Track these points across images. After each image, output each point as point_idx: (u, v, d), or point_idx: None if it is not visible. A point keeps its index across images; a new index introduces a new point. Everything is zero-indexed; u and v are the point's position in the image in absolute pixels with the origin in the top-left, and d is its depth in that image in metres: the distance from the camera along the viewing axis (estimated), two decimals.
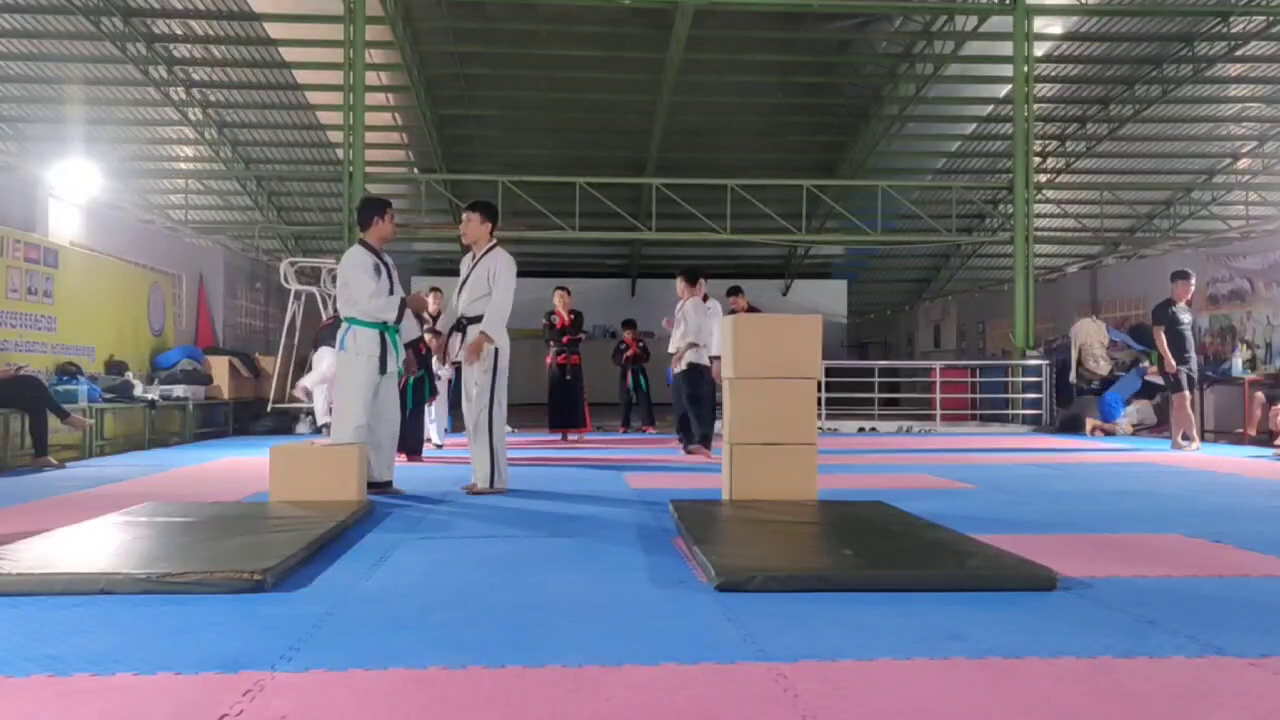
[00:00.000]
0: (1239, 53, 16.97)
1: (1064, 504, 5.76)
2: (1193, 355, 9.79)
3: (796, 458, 5.35)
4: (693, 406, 9.09)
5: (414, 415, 8.47)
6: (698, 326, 8.97)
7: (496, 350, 6.15)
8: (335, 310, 12.24)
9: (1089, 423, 12.22)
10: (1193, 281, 10.03)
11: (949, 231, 18.22)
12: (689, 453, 9.16)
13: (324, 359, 11.44)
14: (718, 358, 8.97)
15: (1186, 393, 9.70)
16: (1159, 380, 10.92)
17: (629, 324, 13.24)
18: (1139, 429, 11.87)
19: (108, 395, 9.62)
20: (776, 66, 18.09)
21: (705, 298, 9.28)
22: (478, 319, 6.17)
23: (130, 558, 3.61)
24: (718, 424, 9.42)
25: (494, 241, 6.34)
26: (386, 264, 6.11)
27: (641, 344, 13.09)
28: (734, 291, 10.50)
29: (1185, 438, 9.74)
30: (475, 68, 17.99)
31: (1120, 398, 12.23)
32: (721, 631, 2.85)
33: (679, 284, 9.23)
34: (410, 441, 8.49)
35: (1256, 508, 5.57)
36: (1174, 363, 9.56)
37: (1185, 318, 9.78)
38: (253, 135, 20.17)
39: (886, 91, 19.09)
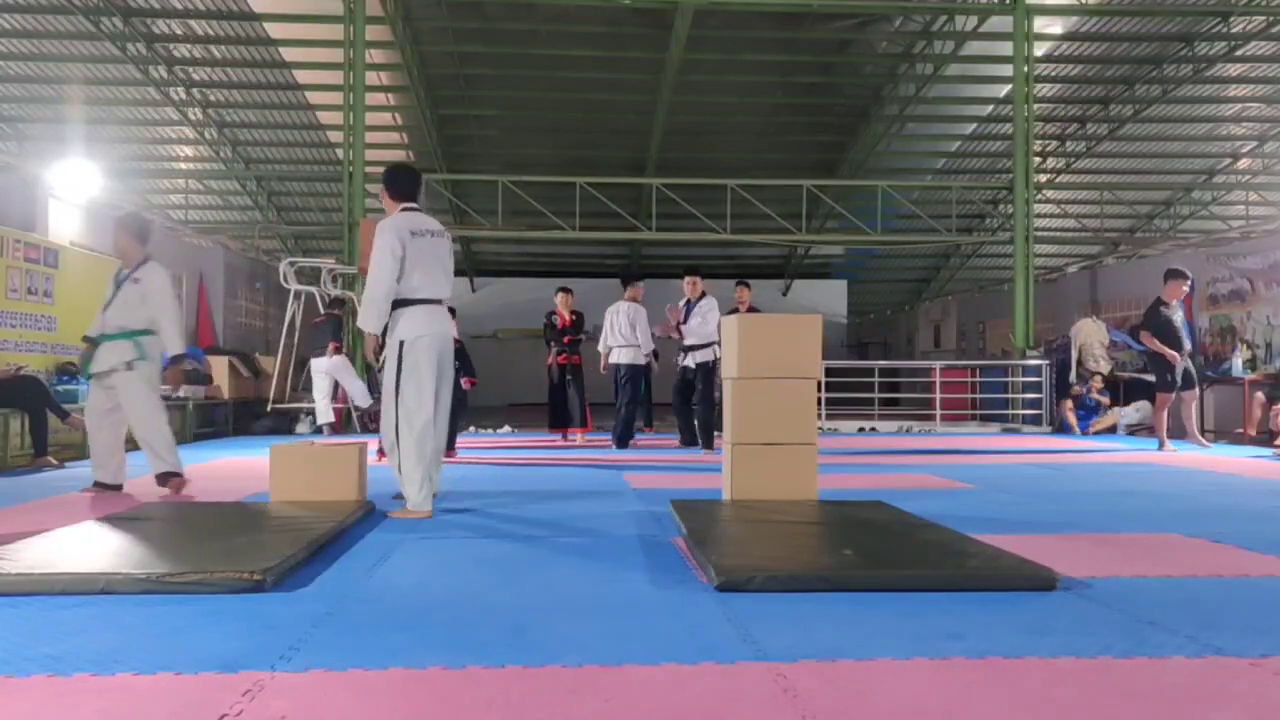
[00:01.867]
0: (1239, 53, 16.97)
1: (1064, 504, 5.76)
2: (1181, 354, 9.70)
3: (796, 458, 5.35)
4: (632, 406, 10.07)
5: None
6: (606, 331, 10.02)
7: (402, 343, 5.04)
8: (325, 309, 12.30)
9: (1070, 417, 12.51)
10: (1185, 283, 9.74)
11: (949, 231, 18.23)
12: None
13: (320, 364, 11.44)
14: (647, 353, 10.02)
15: (1170, 394, 9.63)
16: (1149, 378, 10.85)
17: None
18: (1138, 429, 11.87)
19: None
20: (776, 66, 18.09)
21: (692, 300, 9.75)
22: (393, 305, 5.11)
23: (130, 558, 3.61)
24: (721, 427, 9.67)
25: (398, 208, 5.22)
26: (120, 281, 6.35)
27: None
28: (742, 283, 10.56)
29: (1172, 436, 9.68)
30: (475, 68, 17.99)
31: (1088, 421, 12.41)
32: (721, 631, 2.85)
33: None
34: None
35: (1256, 508, 5.57)
36: (1176, 354, 9.48)
37: (1176, 318, 9.67)
38: (253, 135, 20.18)
39: (886, 91, 19.09)
